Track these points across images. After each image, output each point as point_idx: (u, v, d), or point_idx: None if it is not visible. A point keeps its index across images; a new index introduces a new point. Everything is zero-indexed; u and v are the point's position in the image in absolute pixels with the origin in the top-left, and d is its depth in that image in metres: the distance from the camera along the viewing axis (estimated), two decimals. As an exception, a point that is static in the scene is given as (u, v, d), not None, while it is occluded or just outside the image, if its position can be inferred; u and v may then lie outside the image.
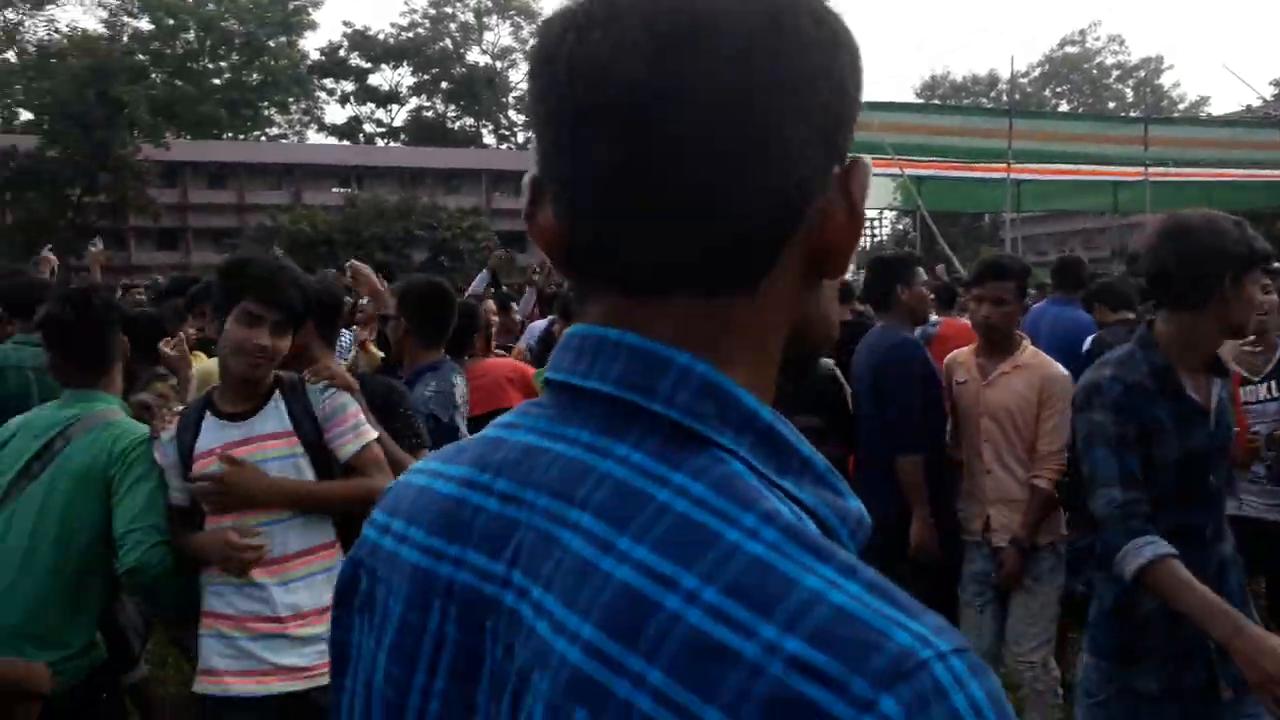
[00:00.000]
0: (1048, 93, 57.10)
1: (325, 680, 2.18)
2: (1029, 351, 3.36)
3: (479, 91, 51.71)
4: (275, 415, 2.29)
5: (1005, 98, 39.04)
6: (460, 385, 3.13)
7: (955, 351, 3.60)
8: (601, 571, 0.48)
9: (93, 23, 46.82)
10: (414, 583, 0.58)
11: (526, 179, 0.60)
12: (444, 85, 52.50)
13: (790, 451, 0.54)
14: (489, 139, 55.16)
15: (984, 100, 52.88)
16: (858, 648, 0.43)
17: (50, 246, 7.06)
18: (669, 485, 0.50)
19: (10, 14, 42.02)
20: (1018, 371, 3.30)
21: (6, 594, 2.20)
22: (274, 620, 2.23)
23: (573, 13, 0.54)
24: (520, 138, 55.66)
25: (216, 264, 2.46)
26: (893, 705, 0.41)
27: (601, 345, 0.55)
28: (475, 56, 52.74)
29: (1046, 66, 58.16)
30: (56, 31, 41.61)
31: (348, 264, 3.85)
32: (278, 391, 2.31)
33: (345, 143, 52.84)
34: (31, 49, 40.83)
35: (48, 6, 42.86)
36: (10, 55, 42.21)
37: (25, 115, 41.78)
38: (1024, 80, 53.73)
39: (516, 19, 52.40)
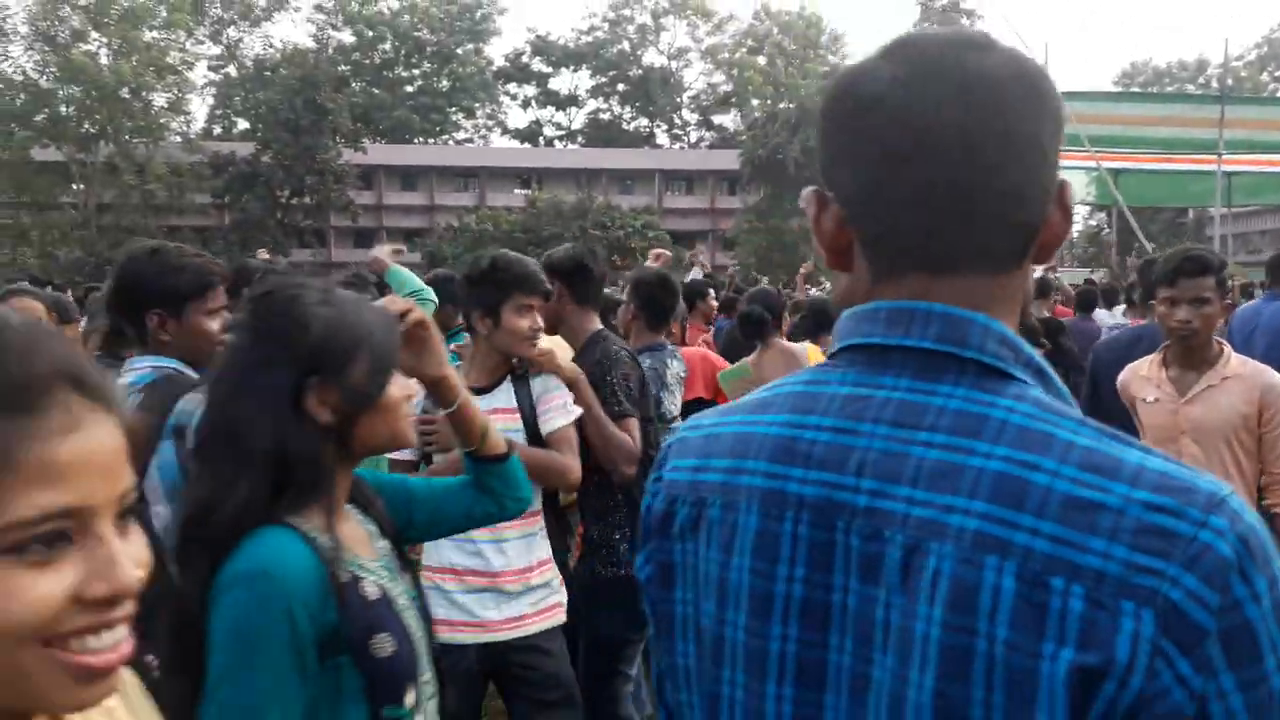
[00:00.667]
0: (1265, 77, 52.37)
1: (527, 631, 2.49)
2: (1234, 360, 2.89)
3: (654, 92, 52.49)
4: (505, 394, 2.59)
5: (1216, 83, 36.16)
6: (674, 367, 3.50)
7: (1134, 364, 3.14)
8: (971, 468, 0.68)
9: (302, 37, 50.79)
10: (765, 501, 0.77)
11: (809, 192, 0.81)
12: (620, 87, 53.56)
13: (1053, 383, 0.75)
14: (662, 139, 55.91)
15: (1189, 87, 49.17)
16: (1184, 492, 0.65)
17: (270, 246, 7.71)
18: (998, 407, 0.71)
19: (232, 32, 46.04)
20: (1226, 384, 2.83)
21: None
22: (487, 575, 2.48)
23: (891, 72, 0.74)
24: (692, 137, 56.17)
25: (469, 265, 2.76)
26: (1218, 520, 0.64)
27: (913, 314, 0.75)
28: (651, 58, 53.57)
29: (1264, 49, 53.34)
30: (271, 46, 45.33)
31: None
32: (509, 375, 2.61)
33: (526, 145, 54.82)
34: (249, 63, 44.64)
35: (264, 24, 46.71)
36: (231, 69, 46.29)
37: (242, 124, 45.72)
38: (1237, 63, 49.46)
39: (693, 19, 52.83)
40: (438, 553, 2.50)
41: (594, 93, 54.48)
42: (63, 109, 36.24)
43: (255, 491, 1.30)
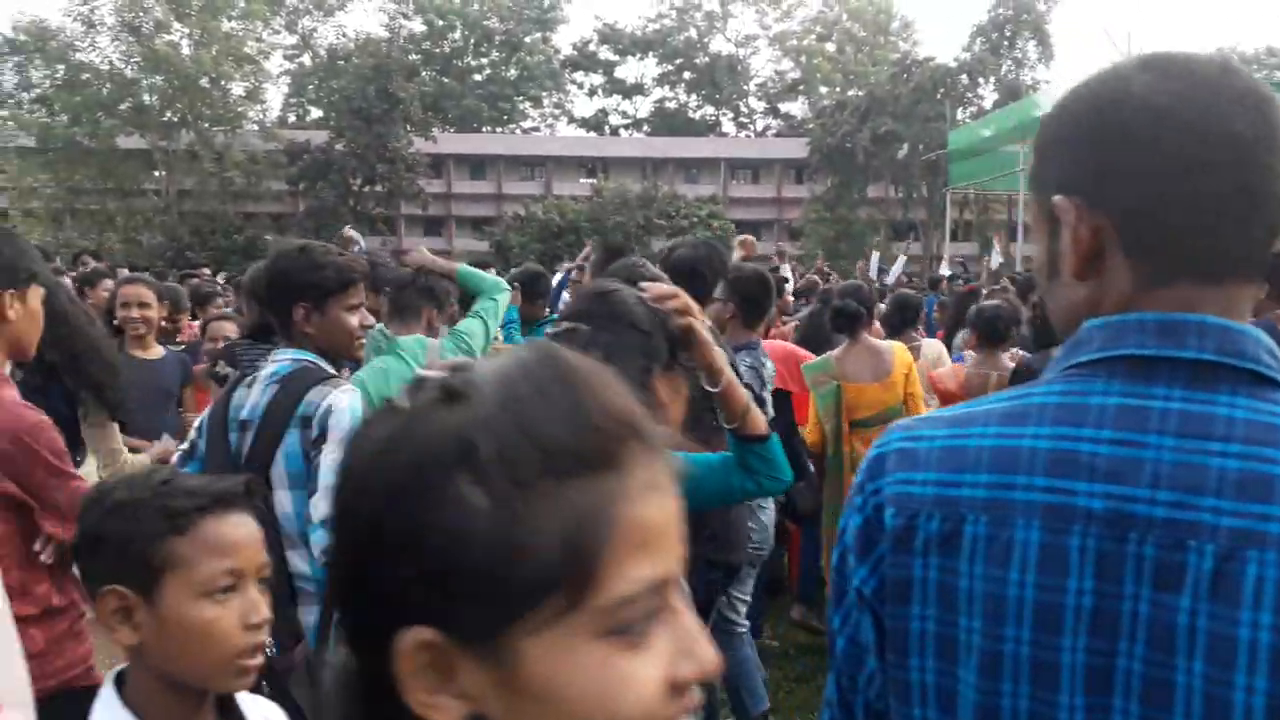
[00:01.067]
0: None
1: None
2: None
3: (720, 80, 52.22)
4: None
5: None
6: (769, 365, 3.48)
7: None
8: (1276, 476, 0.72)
9: (375, 26, 51.56)
10: (1047, 515, 0.78)
11: (1065, 201, 0.82)
12: (686, 75, 53.39)
13: None
14: (728, 127, 55.62)
15: (1278, 74, 47.26)
16: None
17: (351, 226, 7.90)
18: None
19: (307, 21, 46.96)
20: None
21: None
22: None
23: (1169, 86, 0.78)
24: (758, 125, 55.77)
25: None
26: None
27: (1187, 326, 0.77)
28: (718, 45, 53.27)
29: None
30: (344, 36, 46.14)
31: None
32: None
33: (591, 134, 55.01)
34: (323, 53, 45.51)
35: (337, 14, 47.56)
36: (305, 59, 47.25)
37: (316, 112, 46.67)
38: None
39: (761, 5, 52.38)
40: None
41: (660, 81, 54.41)
42: (146, 98, 37.42)
43: None
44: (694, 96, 54.71)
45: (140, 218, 37.64)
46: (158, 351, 3.94)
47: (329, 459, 2.14)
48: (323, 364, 2.30)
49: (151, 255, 31.54)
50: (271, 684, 1.91)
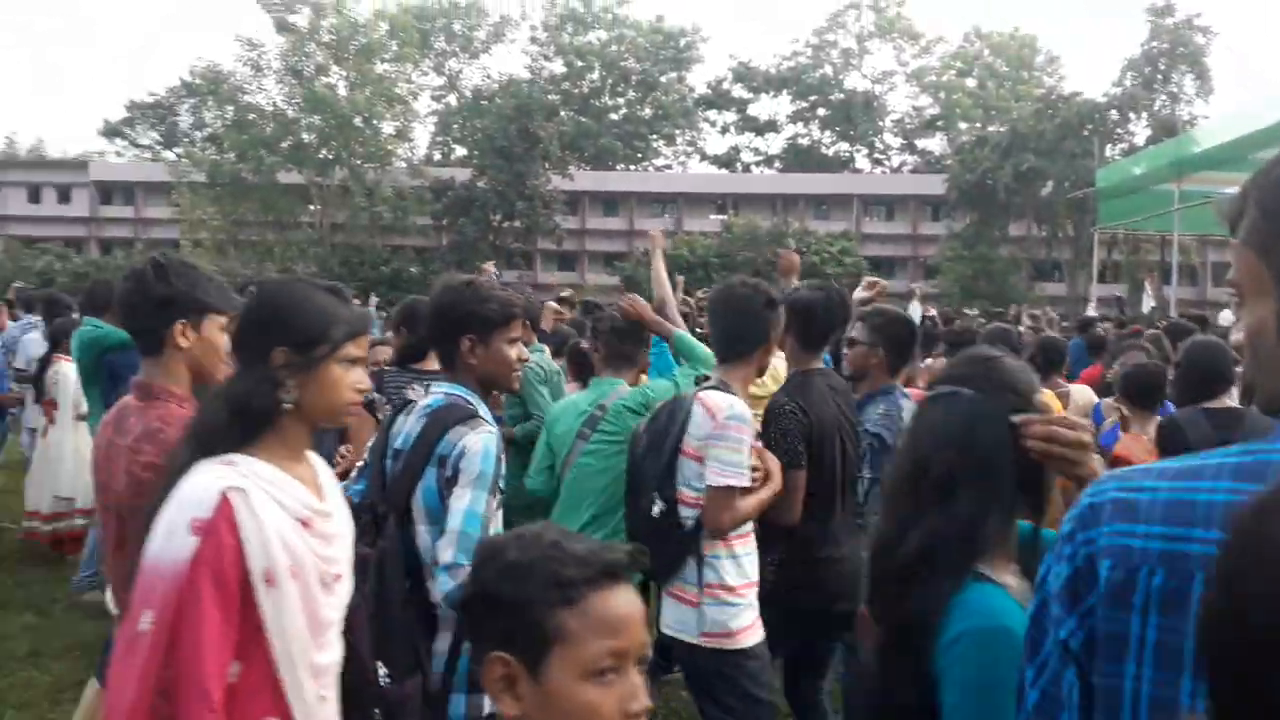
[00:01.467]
0: None
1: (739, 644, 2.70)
2: None
3: (855, 116, 51.69)
4: None
5: None
6: (906, 408, 3.34)
7: None
8: None
9: (517, 67, 53.31)
10: None
11: None
12: (821, 112, 53.08)
13: None
14: (862, 163, 54.91)
15: None
16: None
17: (492, 262, 8.17)
18: None
19: (453, 63, 49.14)
20: None
21: None
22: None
23: None
24: (894, 161, 54.86)
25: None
26: None
27: None
28: (854, 81, 52.79)
29: None
30: (488, 77, 48.05)
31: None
32: None
33: (723, 171, 55.27)
34: (468, 93, 47.46)
35: (482, 56, 49.60)
36: (451, 99, 49.37)
37: (460, 151, 48.59)
38: None
39: (899, 41, 51.72)
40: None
41: (794, 117, 54.24)
42: (305, 136, 39.78)
43: (1005, 522, 1.42)
44: (828, 133, 54.29)
45: (296, 248, 39.89)
46: None
47: (460, 503, 2.14)
48: (473, 399, 2.34)
49: (305, 284, 33.31)
50: (388, 715, 1.99)
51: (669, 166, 56.15)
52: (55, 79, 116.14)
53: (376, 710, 1.96)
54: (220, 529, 1.50)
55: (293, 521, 1.59)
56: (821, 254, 37.97)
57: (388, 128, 41.31)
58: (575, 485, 3.38)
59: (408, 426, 2.33)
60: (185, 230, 40.88)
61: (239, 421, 1.62)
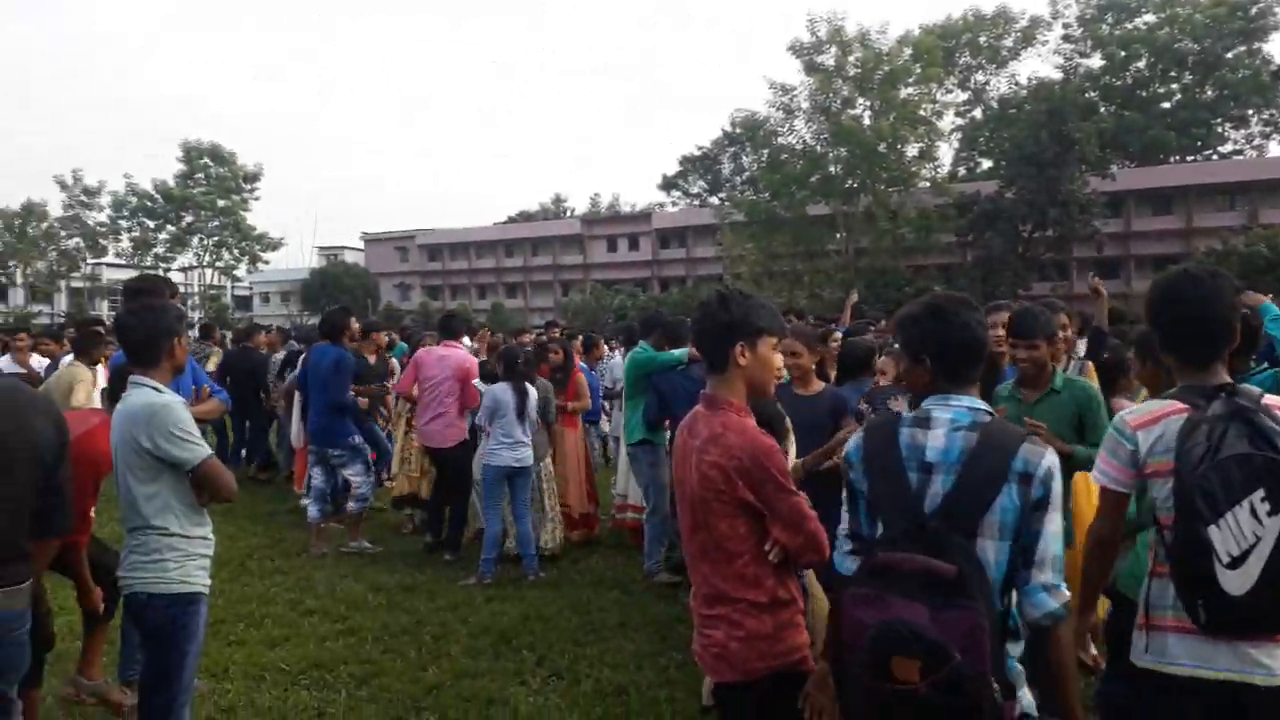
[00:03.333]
0: None
1: None
2: None
3: None
4: None
5: None
6: None
7: None
8: None
9: (1048, 70, 50.09)
10: None
11: None
12: None
13: None
14: None
15: None
16: None
17: (1010, 280, 7.77)
18: None
19: (979, 76, 47.72)
20: None
21: None
22: None
23: None
24: None
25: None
26: None
27: None
28: None
29: None
30: (1016, 84, 45.80)
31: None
32: None
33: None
34: (994, 104, 45.72)
35: (1010, 64, 47.44)
36: (976, 112, 47.98)
37: (985, 163, 46.96)
38: None
39: None
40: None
41: None
42: (832, 169, 41.62)
43: None
44: None
45: (823, 275, 41.82)
46: (817, 386, 4.92)
47: (1053, 526, 2.16)
48: (992, 412, 2.33)
49: (831, 309, 34.84)
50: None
51: (1238, 153, 48.27)
52: (623, 146, 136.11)
53: None
54: None
55: None
56: None
57: (912, 150, 41.52)
58: None
59: (934, 440, 2.26)
60: (728, 266, 45.19)
61: None
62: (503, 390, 6.86)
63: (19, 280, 56.05)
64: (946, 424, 2.29)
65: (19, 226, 54.08)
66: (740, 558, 2.55)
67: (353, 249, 73.02)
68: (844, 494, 2.46)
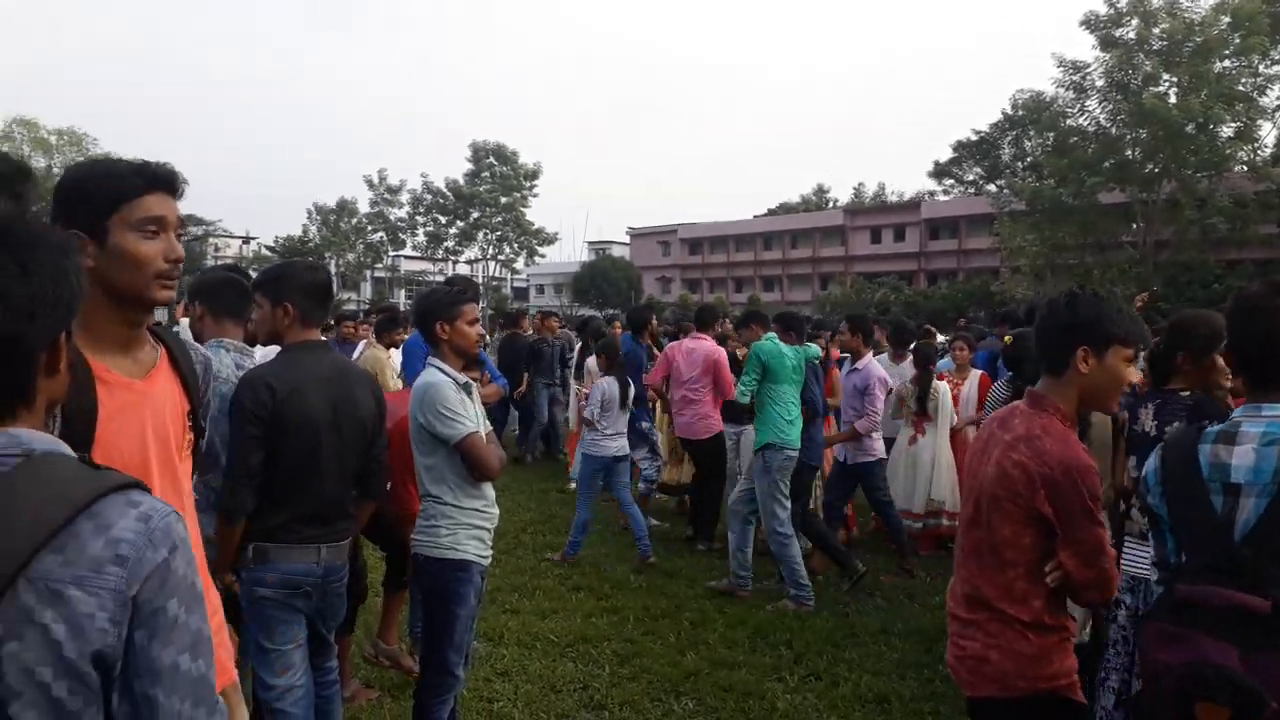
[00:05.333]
0: None
1: None
2: None
3: None
4: None
5: None
6: None
7: None
8: None
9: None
10: None
11: None
12: None
13: None
14: None
15: None
16: None
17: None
18: None
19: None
20: None
21: None
22: None
23: None
24: None
25: None
26: None
27: None
28: None
29: None
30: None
31: None
32: None
33: None
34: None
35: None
36: (1310, 85, 41.92)
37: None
38: None
39: None
40: None
41: None
42: (1129, 153, 37.98)
43: None
44: None
45: (1115, 270, 38.32)
46: None
47: None
48: None
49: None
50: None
51: None
52: (891, 132, 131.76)
53: None
54: None
55: None
56: None
57: (1226, 130, 37.00)
58: None
59: (1241, 458, 1.99)
60: (1005, 258, 42.52)
61: None
62: (609, 384, 7.30)
63: (333, 270, 63.22)
64: (1256, 439, 1.99)
65: (334, 221, 60.88)
66: (1014, 568, 2.39)
67: (619, 243, 75.98)
68: (1146, 520, 2.24)
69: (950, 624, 2.59)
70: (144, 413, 1.81)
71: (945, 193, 61.20)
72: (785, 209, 74.63)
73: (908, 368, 8.04)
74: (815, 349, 7.04)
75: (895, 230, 61.28)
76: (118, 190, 1.75)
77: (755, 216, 71.68)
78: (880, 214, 63.97)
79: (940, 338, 12.29)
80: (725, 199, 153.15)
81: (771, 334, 6.55)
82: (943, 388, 7.64)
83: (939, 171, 59.09)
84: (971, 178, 58.59)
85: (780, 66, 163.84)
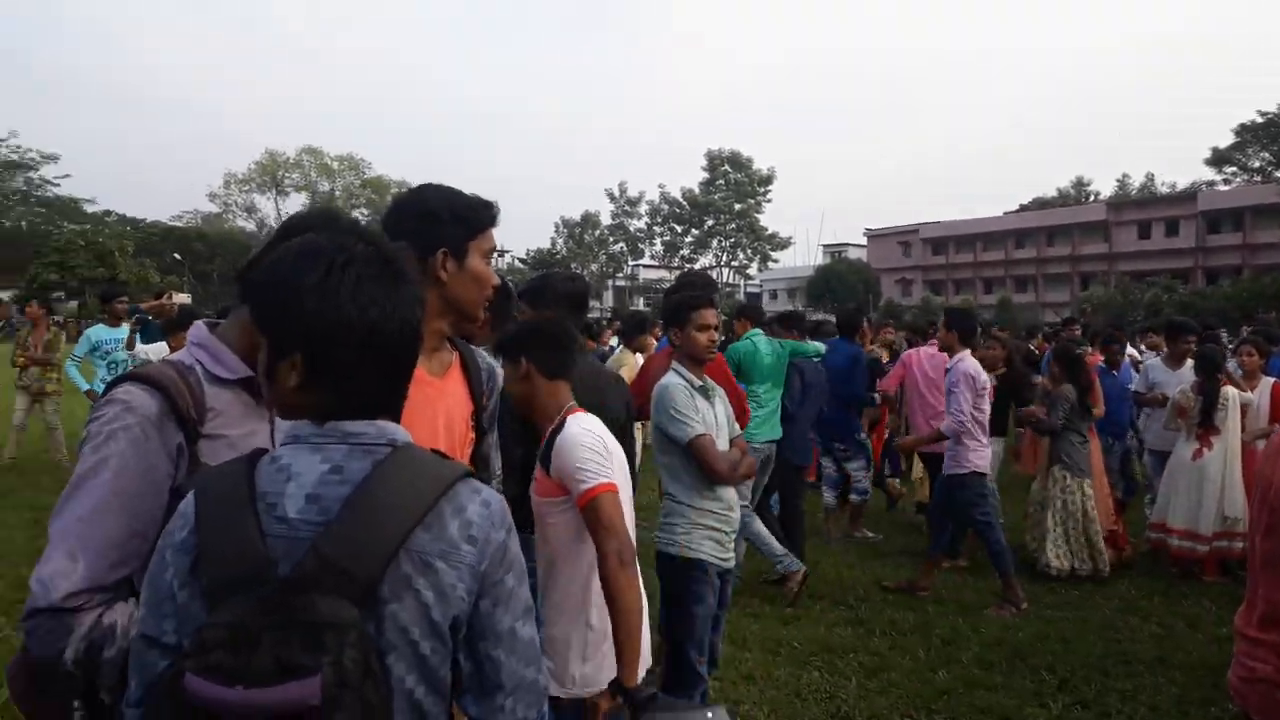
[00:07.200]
0: None
1: None
2: None
3: None
4: None
5: None
6: None
7: None
8: None
9: None
10: None
11: None
12: None
13: None
14: None
15: None
16: None
17: None
18: None
19: None
20: None
21: None
22: None
23: None
24: None
25: None
26: None
27: None
28: None
29: None
30: None
31: None
32: None
33: None
34: None
35: None
36: None
37: None
38: None
39: None
40: None
41: None
42: None
43: None
44: None
45: None
46: None
47: None
48: None
49: None
50: None
51: None
52: (1162, 119, 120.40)
53: None
54: None
55: None
56: None
57: None
58: None
59: None
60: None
61: None
62: None
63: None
64: None
65: (579, 234, 63.66)
66: None
67: (855, 245, 74.19)
68: None
69: (1237, 643, 2.32)
70: (439, 408, 1.98)
71: (1226, 182, 55.23)
72: (1040, 204, 70.05)
73: (1187, 373, 7.33)
74: (813, 346, 6.98)
75: (1167, 224, 55.92)
76: (478, 220, 1.97)
77: (1006, 213, 67.75)
78: (1149, 207, 58.64)
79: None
80: (969, 198, 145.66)
81: (757, 330, 6.59)
82: (1232, 394, 6.89)
83: (1218, 159, 53.44)
84: (1258, 164, 52.52)
85: (1025, 52, 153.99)
